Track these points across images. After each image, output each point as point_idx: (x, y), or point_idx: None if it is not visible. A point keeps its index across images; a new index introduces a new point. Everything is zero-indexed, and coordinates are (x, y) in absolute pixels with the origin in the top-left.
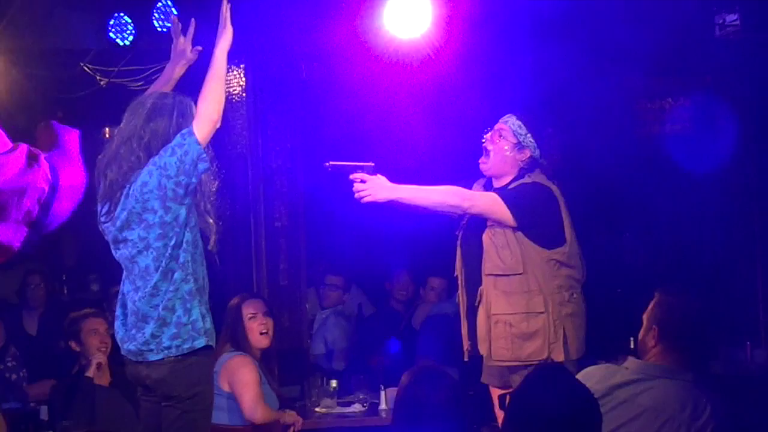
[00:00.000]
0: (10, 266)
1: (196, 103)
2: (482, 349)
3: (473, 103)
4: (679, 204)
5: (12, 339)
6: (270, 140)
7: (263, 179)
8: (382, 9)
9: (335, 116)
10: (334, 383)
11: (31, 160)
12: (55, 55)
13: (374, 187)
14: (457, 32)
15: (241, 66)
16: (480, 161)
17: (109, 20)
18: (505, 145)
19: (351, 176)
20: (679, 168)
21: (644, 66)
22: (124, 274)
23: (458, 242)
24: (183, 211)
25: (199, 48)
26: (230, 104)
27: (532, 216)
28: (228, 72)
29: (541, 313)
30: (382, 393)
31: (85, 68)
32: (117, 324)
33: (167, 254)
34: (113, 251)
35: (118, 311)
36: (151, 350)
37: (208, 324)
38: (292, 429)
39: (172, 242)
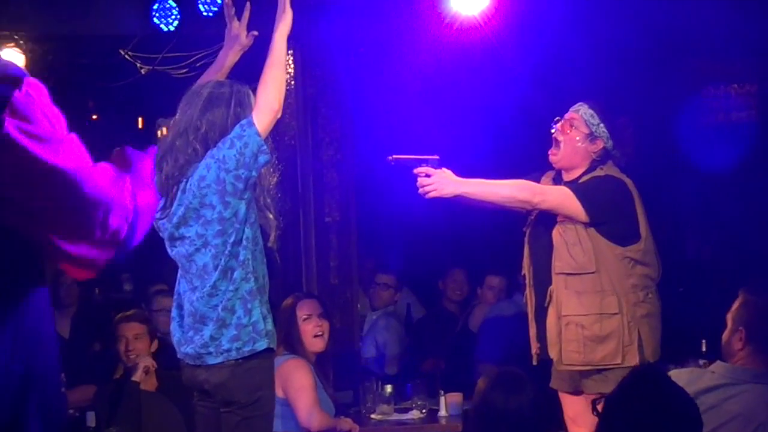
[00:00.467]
0: None
1: (254, 91)
2: (552, 353)
3: (536, 90)
4: (745, 198)
5: None
6: (320, 131)
7: (313, 172)
8: None
9: (390, 106)
10: (389, 388)
11: (118, 177)
12: (96, 42)
13: (440, 182)
14: (516, 16)
15: (290, 52)
16: (550, 153)
17: (153, 5)
18: (577, 136)
19: (415, 170)
20: (744, 160)
21: (708, 49)
22: (180, 272)
23: (526, 239)
24: (243, 207)
25: (255, 33)
26: None
27: (606, 211)
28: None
29: (615, 314)
30: (442, 399)
31: (126, 56)
32: (173, 326)
33: (226, 252)
34: (168, 249)
35: (174, 312)
36: (210, 353)
37: (270, 325)
38: None
39: (232, 239)
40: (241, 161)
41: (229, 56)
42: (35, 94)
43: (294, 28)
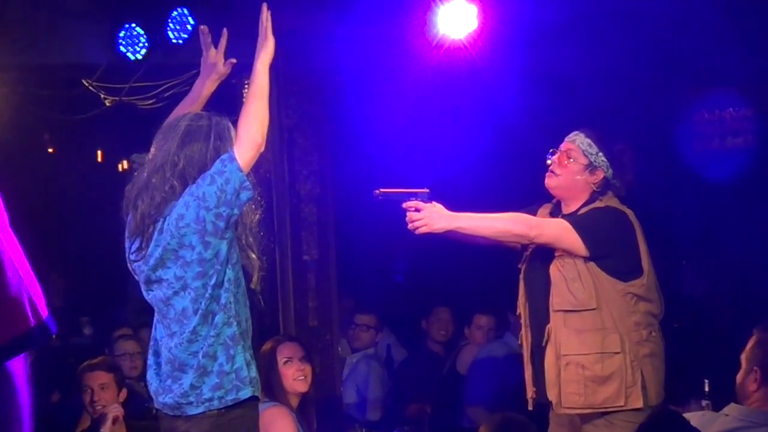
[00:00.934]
0: None
1: (235, 124)
2: (551, 395)
3: (526, 116)
4: (743, 229)
5: None
6: (297, 163)
7: (290, 206)
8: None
9: (373, 136)
10: None
11: None
12: (57, 72)
13: (431, 217)
14: (504, 38)
15: None
16: (546, 177)
17: (120, 32)
18: (575, 168)
19: (404, 205)
20: (741, 188)
21: (702, 73)
22: (157, 317)
23: (521, 276)
24: (224, 247)
25: (233, 61)
26: None
27: (607, 244)
28: (245, 85)
29: (617, 353)
30: None
31: (89, 86)
32: (150, 374)
33: (207, 295)
34: (144, 292)
35: (151, 360)
36: (191, 403)
37: (254, 372)
38: None
39: (213, 281)
40: (222, 198)
41: (206, 86)
42: None
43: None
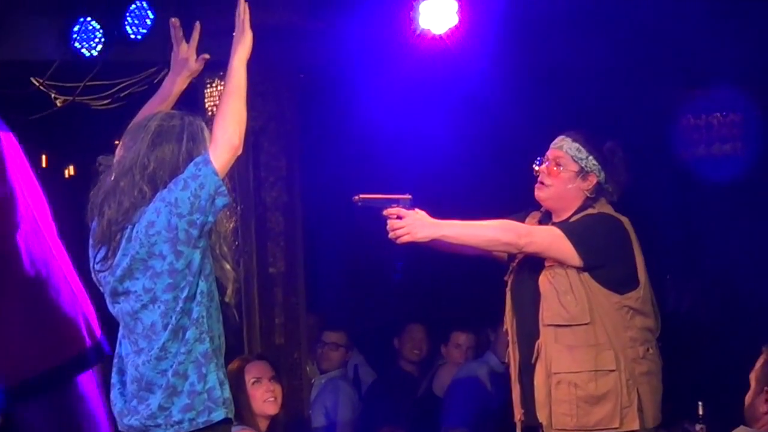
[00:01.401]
0: None
1: (209, 125)
2: (541, 416)
3: (511, 115)
4: (729, 241)
5: None
6: (263, 169)
7: (255, 216)
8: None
9: (345, 140)
10: None
11: None
12: (5, 70)
13: (413, 225)
14: (487, 33)
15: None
16: (536, 188)
17: (74, 26)
18: (566, 176)
19: (385, 212)
20: (729, 198)
21: (688, 76)
22: (122, 332)
23: (507, 288)
24: (197, 257)
25: (206, 57)
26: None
27: (601, 254)
28: (208, 85)
29: (612, 371)
30: None
31: (40, 86)
32: (113, 394)
33: (178, 308)
34: (110, 305)
35: (115, 378)
36: (159, 425)
37: (227, 392)
38: None
39: (184, 294)
40: (196, 204)
41: (177, 83)
42: None
43: (227, 47)
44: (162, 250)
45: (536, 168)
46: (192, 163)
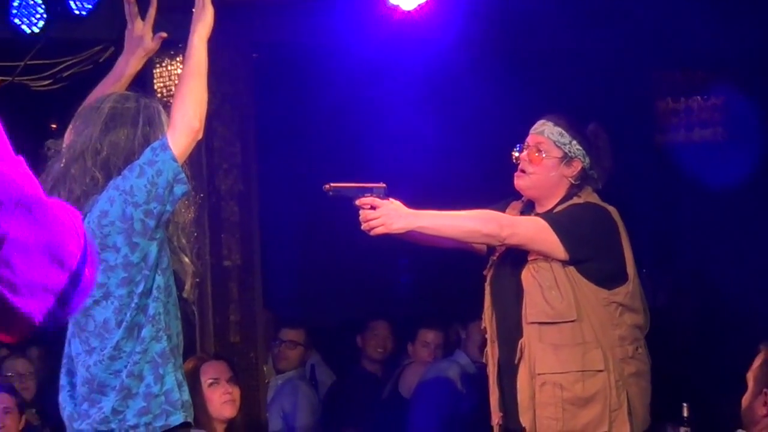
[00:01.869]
0: None
1: (167, 108)
2: (524, 420)
3: (488, 102)
4: (710, 232)
5: None
6: (217, 156)
7: (208, 206)
8: None
9: (310, 122)
10: None
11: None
12: None
13: (388, 215)
14: (458, 12)
15: (179, 57)
16: (516, 176)
17: (13, 1)
18: (549, 162)
19: (357, 202)
20: (708, 185)
21: (665, 56)
22: (71, 330)
23: (486, 284)
24: (153, 249)
25: (163, 35)
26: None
27: (588, 246)
28: (157, 65)
29: (600, 371)
30: None
31: None
32: (62, 396)
33: (133, 305)
34: None
35: (64, 380)
36: (112, 430)
37: (186, 395)
38: None
39: (140, 289)
40: (153, 193)
41: (131, 63)
42: None
43: (180, 24)
44: (116, 241)
45: (516, 155)
46: (149, 148)
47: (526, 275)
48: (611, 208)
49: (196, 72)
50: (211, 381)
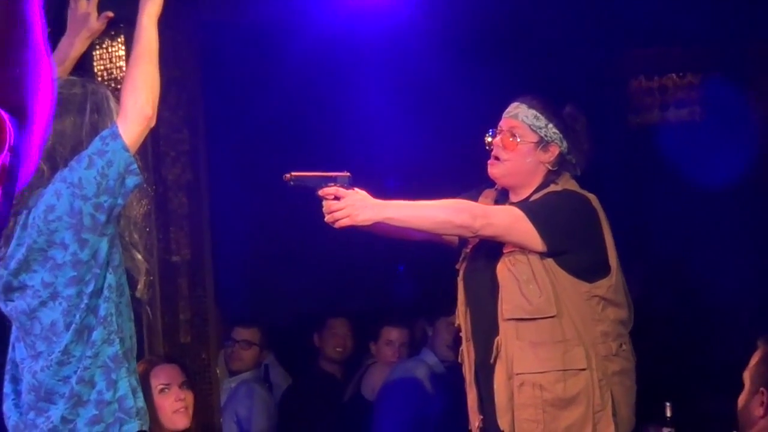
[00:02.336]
0: None
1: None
2: (502, 423)
3: (456, 86)
4: (686, 219)
5: None
6: (163, 141)
7: (155, 196)
8: None
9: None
10: None
11: None
12: None
13: (353, 206)
14: None
15: (120, 37)
16: (489, 164)
17: None
18: (524, 148)
19: (320, 192)
20: (684, 170)
21: (638, 29)
22: (15, 334)
23: (459, 278)
24: (104, 245)
25: (110, 14)
26: None
27: (568, 236)
28: (97, 46)
29: (582, 370)
30: None
31: None
32: (7, 405)
33: (82, 305)
34: (1, 304)
35: (8, 388)
36: None
37: (141, 401)
38: None
39: (90, 288)
40: (104, 185)
41: (75, 46)
42: None
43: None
44: (64, 238)
45: (488, 140)
46: (98, 138)
47: (502, 269)
48: (591, 196)
49: (146, 54)
50: (162, 386)
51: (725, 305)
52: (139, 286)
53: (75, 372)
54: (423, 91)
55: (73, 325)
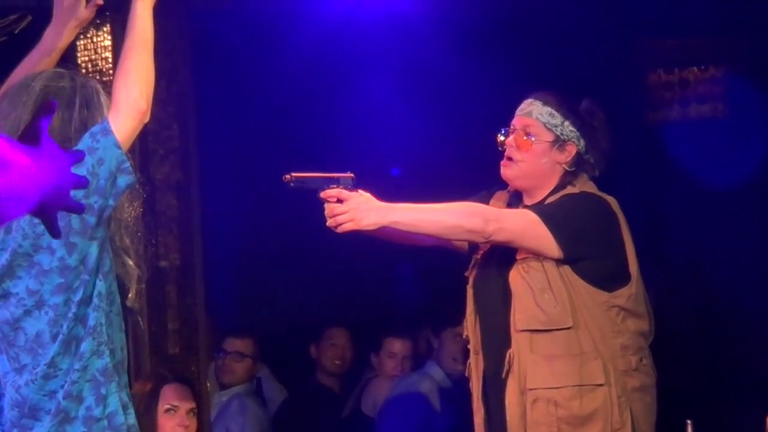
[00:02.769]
0: None
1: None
2: None
3: (467, 82)
4: (707, 224)
5: None
6: (151, 138)
7: (142, 197)
8: None
9: (260, 99)
10: None
11: None
12: None
13: (358, 209)
14: None
15: (106, 26)
16: (502, 165)
17: None
18: (539, 148)
19: (322, 194)
20: (706, 171)
21: (657, 21)
22: None
23: (469, 286)
24: (94, 250)
25: (99, 2)
26: None
27: (586, 242)
28: (81, 36)
29: (600, 385)
30: None
31: None
32: None
33: (70, 315)
34: None
35: None
36: None
37: (132, 418)
38: None
39: (78, 296)
40: (94, 185)
41: (63, 35)
42: None
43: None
44: (50, 242)
45: (501, 140)
46: (87, 134)
47: (515, 276)
48: (610, 199)
49: (141, 44)
50: (168, 407)
51: (750, 315)
52: (130, 295)
53: (62, 386)
54: (429, 82)
55: (60, 336)
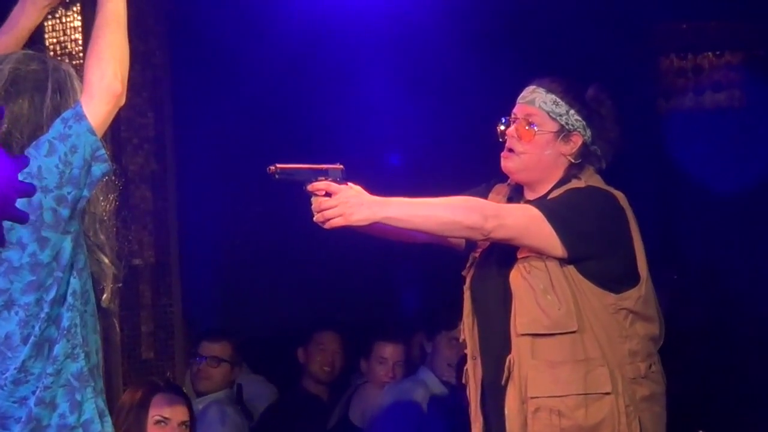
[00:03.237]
0: None
1: (79, 71)
2: None
3: (464, 68)
4: (722, 222)
5: None
6: (124, 126)
7: (117, 191)
8: None
9: (244, 85)
10: None
11: None
12: None
13: (347, 203)
14: None
15: (76, 6)
16: (503, 160)
17: None
18: (542, 139)
19: (309, 187)
20: (721, 163)
21: (670, 3)
22: None
23: (466, 287)
24: (67, 245)
25: None
26: None
27: (592, 240)
28: (50, 16)
29: (607, 394)
30: None
31: None
32: None
33: (43, 315)
34: None
35: None
36: None
37: (109, 426)
38: None
39: (51, 295)
40: (67, 174)
41: (31, 15)
42: None
43: None
44: (21, 236)
45: (501, 130)
46: (59, 119)
47: (516, 277)
48: (618, 193)
49: (113, 21)
50: (159, 419)
51: (766, 320)
52: (105, 295)
53: (33, 392)
54: (427, 75)
55: (32, 338)
